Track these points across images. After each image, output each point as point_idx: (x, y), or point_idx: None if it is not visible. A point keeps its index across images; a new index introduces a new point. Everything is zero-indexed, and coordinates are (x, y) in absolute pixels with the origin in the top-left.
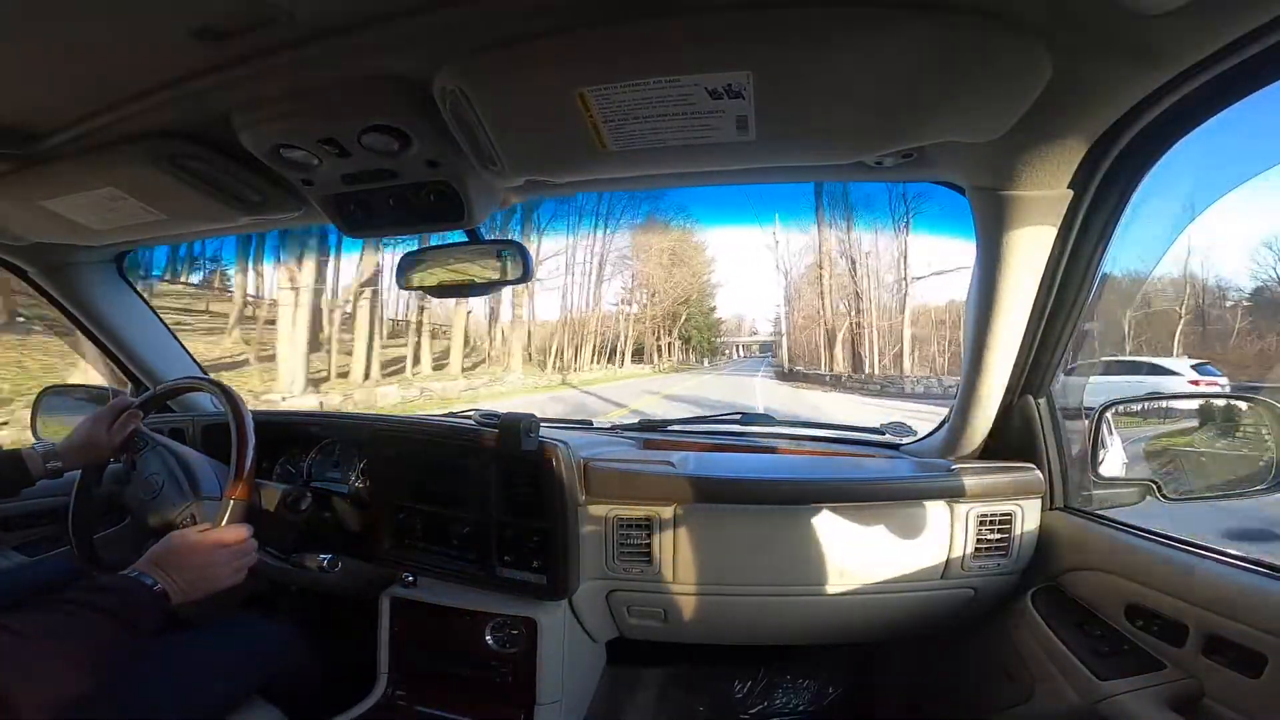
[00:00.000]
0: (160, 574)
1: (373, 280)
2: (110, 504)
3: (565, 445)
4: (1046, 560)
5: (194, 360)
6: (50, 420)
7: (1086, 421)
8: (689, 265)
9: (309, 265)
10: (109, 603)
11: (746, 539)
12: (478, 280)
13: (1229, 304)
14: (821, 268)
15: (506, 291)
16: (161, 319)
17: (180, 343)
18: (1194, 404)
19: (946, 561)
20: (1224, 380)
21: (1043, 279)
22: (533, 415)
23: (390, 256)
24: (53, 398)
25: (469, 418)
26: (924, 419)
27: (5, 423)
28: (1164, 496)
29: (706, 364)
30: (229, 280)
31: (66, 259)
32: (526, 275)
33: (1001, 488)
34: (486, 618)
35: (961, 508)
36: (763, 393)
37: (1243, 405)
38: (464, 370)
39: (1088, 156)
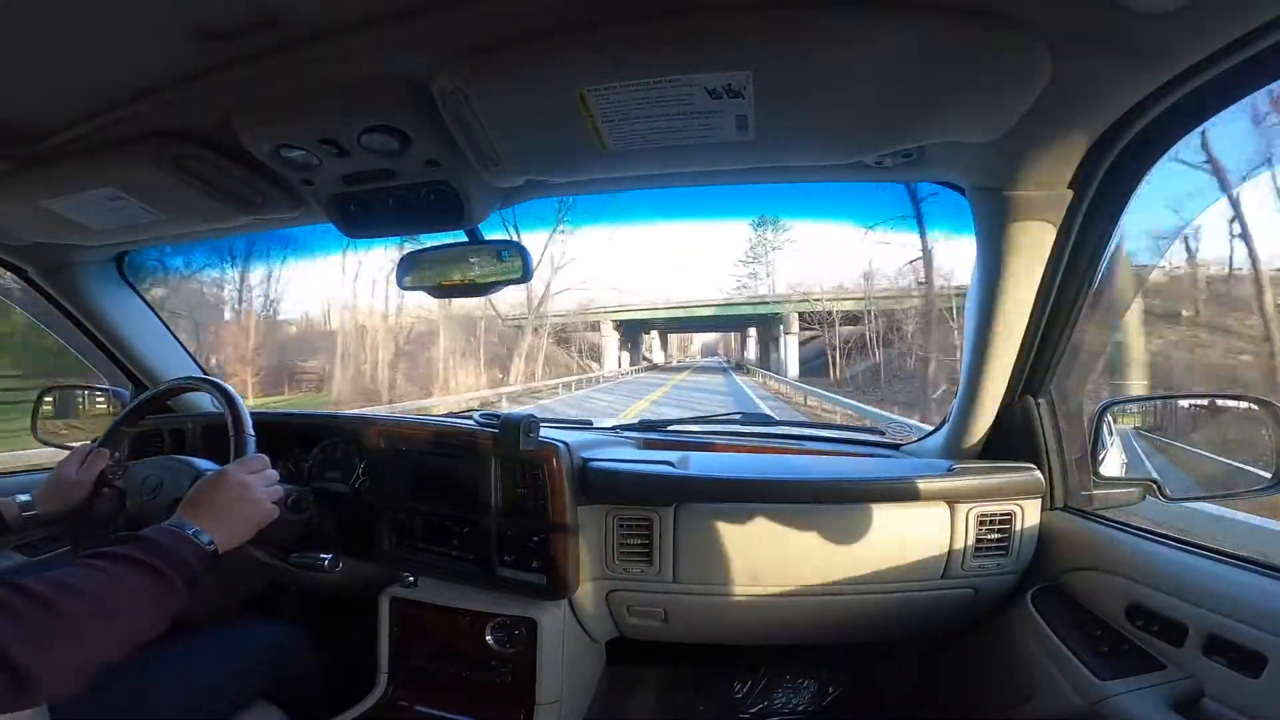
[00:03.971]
0: (201, 519)
1: None
2: (112, 526)
3: (565, 445)
4: (1046, 560)
5: (194, 360)
6: (51, 420)
7: (1086, 421)
8: None
9: None
10: (144, 554)
11: (747, 539)
12: (478, 281)
13: None
14: None
15: None
16: (161, 319)
17: (180, 343)
18: (1194, 404)
19: (947, 561)
20: None
21: (1043, 279)
22: (533, 415)
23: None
24: (53, 398)
25: (469, 418)
26: None
27: None
28: (1165, 497)
29: None
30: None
31: (66, 259)
32: (526, 275)
33: (1001, 488)
34: (486, 618)
35: (961, 508)
36: None
37: (1242, 405)
38: None
39: (1088, 156)
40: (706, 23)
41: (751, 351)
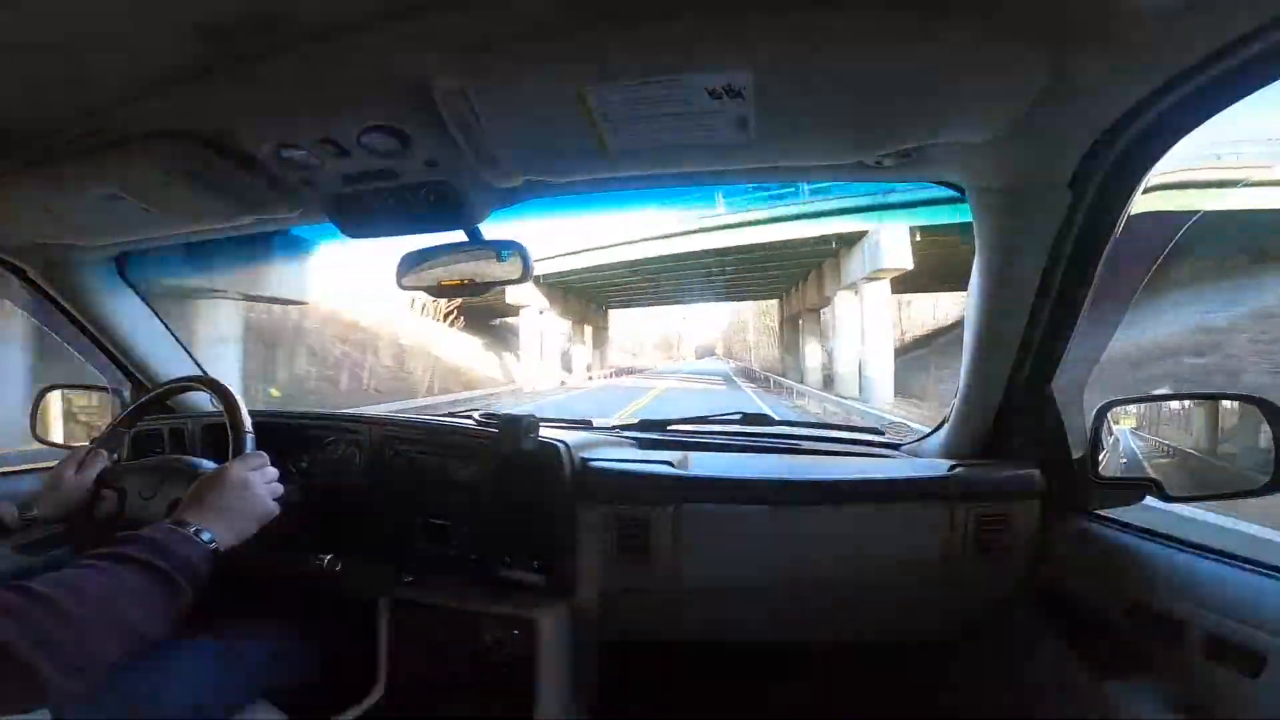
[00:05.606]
0: (202, 517)
1: None
2: (112, 527)
3: (565, 445)
4: (1047, 560)
5: (194, 360)
6: (50, 420)
7: (1086, 421)
8: None
9: None
10: (148, 554)
11: (746, 539)
12: (477, 280)
13: None
14: None
15: None
16: (162, 319)
17: (181, 343)
18: (1195, 404)
19: (947, 562)
20: None
21: (1043, 279)
22: (533, 415)
23: None
24: (52, 397)
25: (469, 418)
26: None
27: None
28: (1165, 496)
29: None
30: None
31: (66, 259)
32: (526, 275)
33: (1001, 488)
34: (486, 618)
35: (961, 507)
36: None
37: (1243, 405)
38: None
39: (1088, 156)
40: (706, 23)
41: (810, 353)
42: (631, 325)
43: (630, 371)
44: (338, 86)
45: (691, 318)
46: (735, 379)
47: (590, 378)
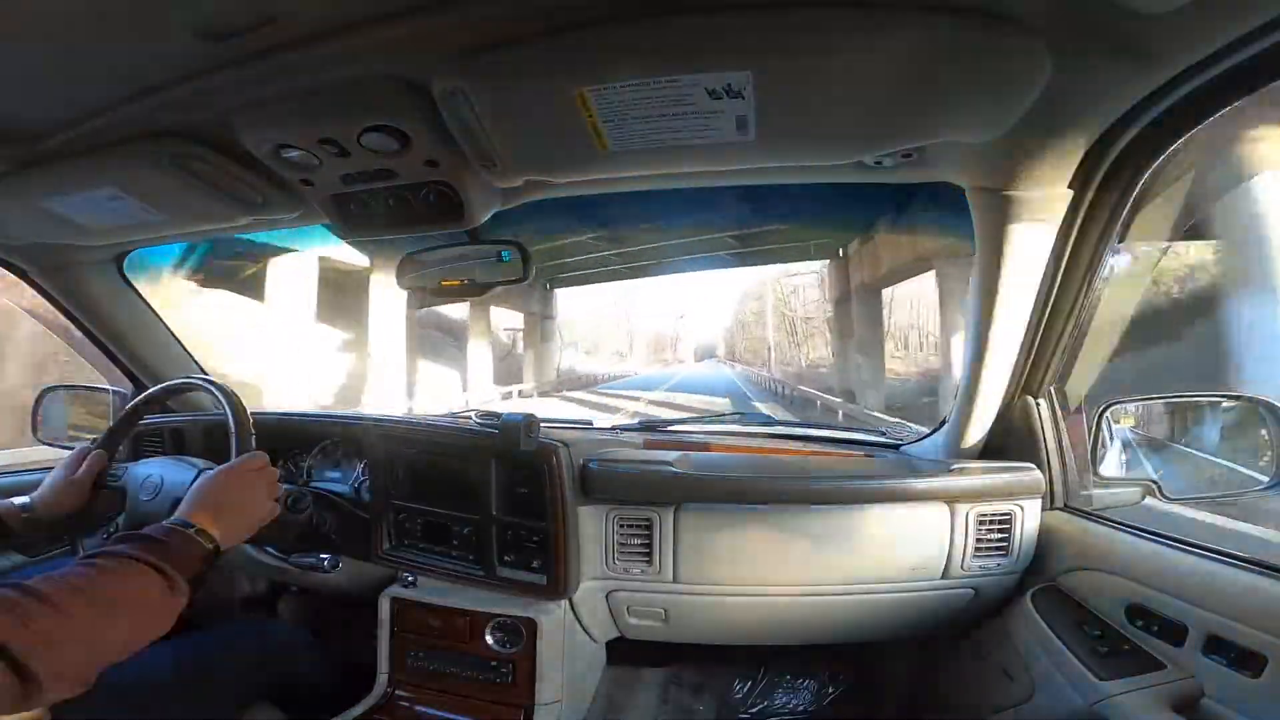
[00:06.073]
0: (202, 516)
1: None
2: (112, 527)
3: (565, 445)
4: (1046, 560)
5: (194, 360)
6: (50, 420)
7: (1086, 421)
8: None
9: None
10: (147, 554)
11: (747, 539)
12: (478, 280)
13: None
14: None
15: None
16: (161, 319)
17: (180, 343)
18: (1194, 404)
19: (946, 561)
20: None
21: (1043, 279)
22: (533, 415)
23: None
24: (53, 397)
25: (469, 418)
26: None
27: None
28: (1164, 496)
29: None
30: None
31: (66, 259)
32: (526, 274)
33: (1001, 488)
34: (486, 618)
35: (961, 508)
36: None
37: (1242, 405)
38: None
39: (1088, 156)
40: (706, 23)
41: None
42: (626, 324)
43: (589, 383)
44: (338, 86)
45: (690, 316)
46: (759, 404)
47: (508, 397)
